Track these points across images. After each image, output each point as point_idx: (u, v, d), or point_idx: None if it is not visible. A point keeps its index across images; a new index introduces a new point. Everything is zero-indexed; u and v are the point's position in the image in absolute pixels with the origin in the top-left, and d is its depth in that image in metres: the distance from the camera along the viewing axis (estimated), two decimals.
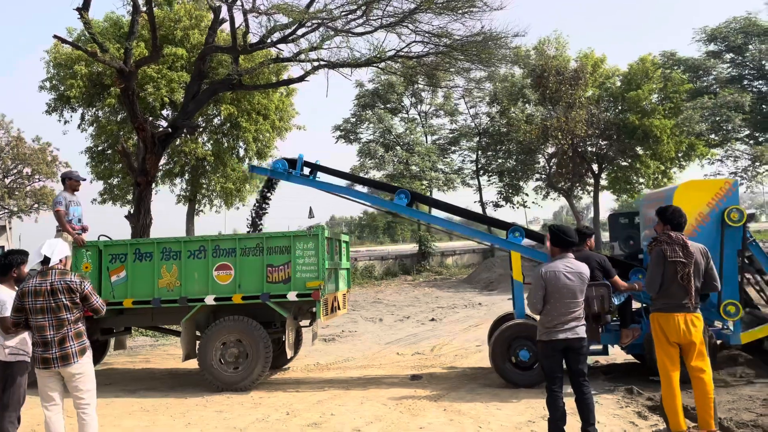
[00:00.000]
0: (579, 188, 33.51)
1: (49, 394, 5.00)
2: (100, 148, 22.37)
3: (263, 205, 9.65)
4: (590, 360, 8.65)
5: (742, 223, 7.30)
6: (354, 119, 28.31)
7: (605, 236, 27.77)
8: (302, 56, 12.56)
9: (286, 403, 7.37)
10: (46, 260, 4.98)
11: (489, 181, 30.56)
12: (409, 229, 52.04)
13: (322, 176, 9.21)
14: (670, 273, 5.41)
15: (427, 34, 11.63)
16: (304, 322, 9.48)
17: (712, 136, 23.31)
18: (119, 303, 8.53)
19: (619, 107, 29.48)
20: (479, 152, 30.08)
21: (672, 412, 5.48)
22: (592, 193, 31.97)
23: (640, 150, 29.70)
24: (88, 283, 5.05)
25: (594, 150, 30.85)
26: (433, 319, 15.02)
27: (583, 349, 5.30)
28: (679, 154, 29.06)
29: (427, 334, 12.98)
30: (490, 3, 10.79)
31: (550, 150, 29.63)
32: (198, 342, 8.42)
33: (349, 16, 12.17)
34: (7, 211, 40.95)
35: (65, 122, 21.79)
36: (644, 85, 28.46)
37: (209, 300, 8.27)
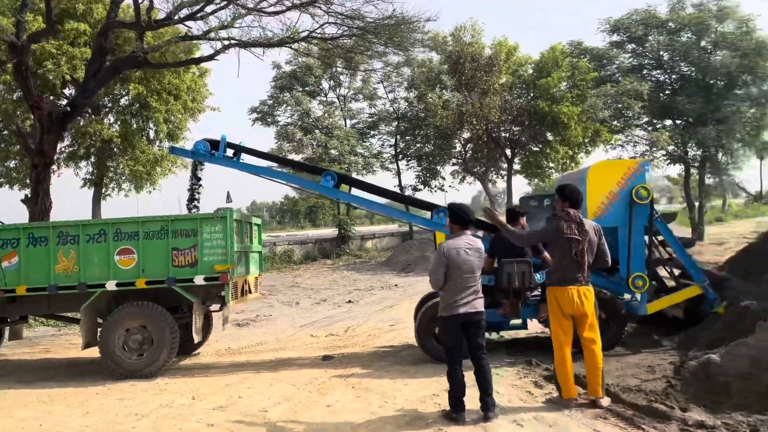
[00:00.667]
0: (493, 172, 34.53)
1: None
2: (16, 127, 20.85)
3: (195, 188, 9.35)
4: (495, 335, 9.03)
5: (648, 200, 7.77)
6: (271, 101, 27.81)
7: None
8: (212, 34, 12.18)
9: (193, 388, 7.24)
10: None
11: (408, 165, 30.92)
12: (330, 213, 51.90)
13: (247, 158, 9.00)
14: (566, 248, 5.70)
15: (340, 16, 11.57)
16: (215, 307, 9.31)
17: (615, 122, 24.51)
18: (12, 290, 8.11)
19: (531, 94, 30.51)
20: (398, 137, 30.33)
21: (564, 380, 5.82)
22: (506, 177, 33.01)
23: (550, 136, 30.95)
24: None
25: (507, 135, 31.85)
26: (349, 301, 15.13)
27: (481, 323, 5.51)
28: (586, 140, 30.50)
29: (342, 315, 13.07)
30: None
31: (466, 135, 30.30)
32: (99, 329, 8.11)
33: None
34: None
35: None
36: (554, 73, 29.59)
37: (110, 285, 7.99)
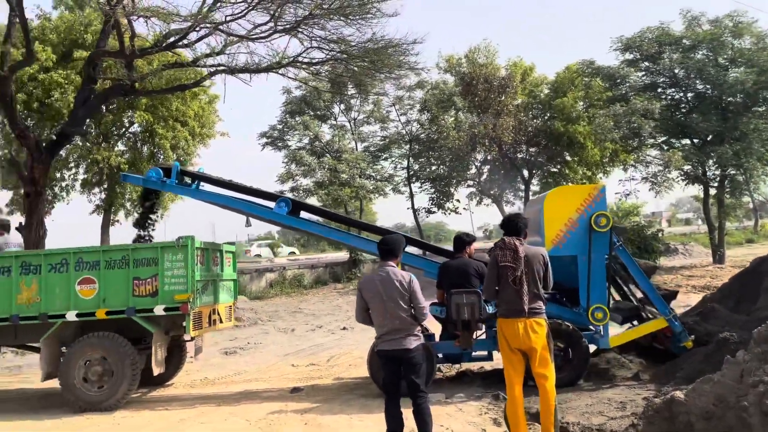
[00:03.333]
0: (511, 194, 34.05)
1: None
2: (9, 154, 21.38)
3: (147, 217, 9.37)
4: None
5: (608, 228, 7.40)
6: (281, 126, 27.97)
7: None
8: (200, 61, 12.23)
9: (147, 423, 7.05)
10: None
11: (421, 187, 30.69)
12: None
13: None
14: (503, 278, 5.38)
15: (323, 40, 11.50)
16: (187, 336, 9.13)
17: (630, 141, 23.93)
18: None
19: (547, 114, 30.12)
20: (410, 159, 30.17)
21: (513, 419, 5.43)
22: (523, 199, 32.53)
23: (568, 156, 30.45)
24: None
25: (524, 156, 31.43)
26: (344, 328, 14.82)
27: (413, 360, 5.16)
28: (605, 160, 29.90)
29: (332, 343, 12.78)
30: (384, 9, 10.75)
31: (479, 157, 30.00)
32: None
33: (251, 20, 11.94)
34: None
35: None
36: (569, 93, 29.18)
37: (71, 316, 7.86)
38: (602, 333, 7.52)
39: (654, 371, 7.60)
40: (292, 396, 8.08)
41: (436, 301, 8.26)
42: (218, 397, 8.32)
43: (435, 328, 8.55)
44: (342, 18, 10.66)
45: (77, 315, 7.85)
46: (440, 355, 8.12)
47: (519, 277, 5.27)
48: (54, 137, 12.03)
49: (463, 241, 7.64)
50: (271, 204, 8.61)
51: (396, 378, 5.23)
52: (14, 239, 21.42)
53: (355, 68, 12.20)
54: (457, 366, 8.86)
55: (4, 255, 8.44)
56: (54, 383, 9.68)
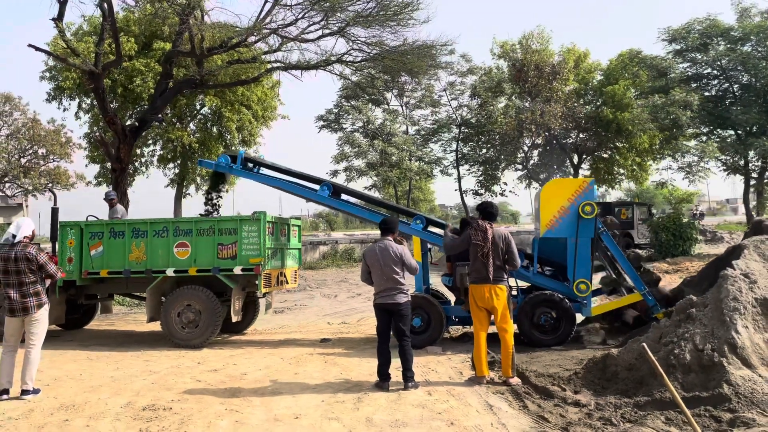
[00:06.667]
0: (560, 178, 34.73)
1: (9, 337, 6.59)
2: (98, 135, 24.09)
3: (213, 197, 11.11)
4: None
5: (593, 215, 8.75)
6: (337, 110, 29.76)
7: None
8: (259, 58, 14.04)
9: (205, 357, 8.94)
10: (14, 236, 6.60)
11: (469, 170, 31.87)
12: None
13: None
14: (474, 253, 6.92)
15: (363, 43, 13.07)
16: (259, 293, 10.88)
17: (674, 131, 24.35)
18: (97, 273, 10.16)
19: (599, 101, 30.59)
20: (460, 142, 31.35)
21: (478, 361, 7.00)
22: None
23: (618, 143, 30.87)
24: (43, 254, 6.62)
25: (574, 142, 32.04)
26: None
27: (401, 312, 6.79)
28: (655, 147, 30.18)
29: (366, 308, 14.49)
30: (417, 17, 12.20)
31: (527, 142, 30.85)
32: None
33: (308, 21, 13.63)
34: (23, 189, 42.91)
35: (64, 110, 23.62)
36: (621, 80, 29.55)
37: (169, 272, 9.86)
38: (586, 303, 8.92)
39: (622, 338, 8.92)
40: (321, 344, 9.86)
41: (447, 272, 9.88)
42: (262, 343, 10.20)
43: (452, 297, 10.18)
44: (378, 25, 12.18)
45: (174, 271, 9.86)
46: (455, 318, 9.65)
47: (486, 253, 6.81)
48: (136, 123, 14.18)
49: (467, 222, 9.15)
50: (317, 187, 10.33)
51: (387, 325, 6.88)
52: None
53: (391, 66, 13.72)
54: (467, 328, 10.40)
55: (119, 222, 10.51)
56: (132, 327, 11.96)
